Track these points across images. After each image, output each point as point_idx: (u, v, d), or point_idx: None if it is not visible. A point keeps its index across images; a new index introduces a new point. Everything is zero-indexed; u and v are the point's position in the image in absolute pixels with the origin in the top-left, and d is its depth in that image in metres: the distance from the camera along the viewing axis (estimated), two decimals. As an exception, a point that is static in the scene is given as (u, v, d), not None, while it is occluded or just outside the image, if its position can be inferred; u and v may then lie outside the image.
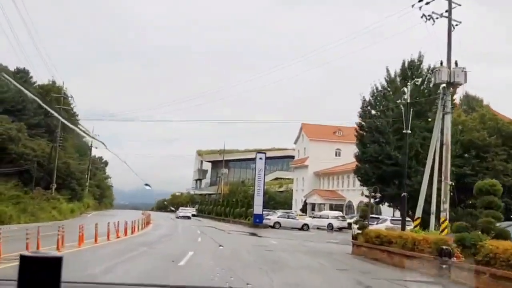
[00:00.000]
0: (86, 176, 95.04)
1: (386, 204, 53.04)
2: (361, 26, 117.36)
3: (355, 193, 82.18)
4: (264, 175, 59.94)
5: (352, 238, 30.26)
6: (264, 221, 58.54)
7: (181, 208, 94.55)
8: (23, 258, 1.47)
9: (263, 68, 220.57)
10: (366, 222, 29.83)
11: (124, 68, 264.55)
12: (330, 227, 59.81)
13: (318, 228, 60.32)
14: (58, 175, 76.05)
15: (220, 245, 29.90)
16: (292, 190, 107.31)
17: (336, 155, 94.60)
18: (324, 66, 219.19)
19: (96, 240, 27.29)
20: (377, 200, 53.18)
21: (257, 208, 58.34)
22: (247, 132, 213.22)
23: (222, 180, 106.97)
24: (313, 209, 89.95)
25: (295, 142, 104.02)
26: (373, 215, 74.90)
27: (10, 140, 70.63)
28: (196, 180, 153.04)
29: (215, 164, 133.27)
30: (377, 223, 44.32)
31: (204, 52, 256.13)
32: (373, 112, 48.18)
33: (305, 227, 57.81)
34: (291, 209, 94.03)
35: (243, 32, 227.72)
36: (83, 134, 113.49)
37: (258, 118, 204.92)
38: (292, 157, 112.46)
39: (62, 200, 68.81)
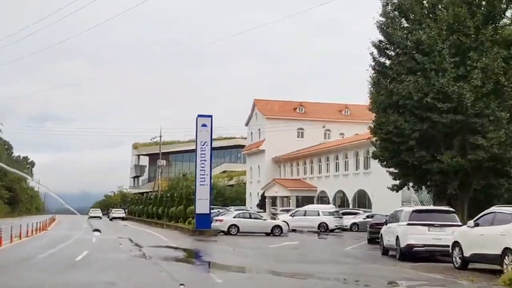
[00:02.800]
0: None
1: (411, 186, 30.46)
2: None
3: (329, 181, 59.79)
4: (211, 153, 36.32)
5: None
6: (214, 224, 35.16)
7: (92, 209, 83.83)
8: None
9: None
10: None
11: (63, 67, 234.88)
12: (323, 229, 37.01)
13: (294, 231, 37.56)
14: None
15: None
16: (244, 182, 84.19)
17: (298, 136, 71.93)
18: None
19: None
20: (397, 183, 30.56)
21: (202, 205, 34.64)
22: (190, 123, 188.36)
23: (159, 174, 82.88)
24: (274, 204, 67.12)
25: (247, 124, 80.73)
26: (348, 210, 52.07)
27: None
28: (134, 177, 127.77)
29: (153, 157, 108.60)
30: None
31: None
32: (405, 23, 25.30)
33: (276, 231, 34.73)
34: (244, 205, 71.16)
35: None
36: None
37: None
38: (242, 146, 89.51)
39: None
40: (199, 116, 35.20)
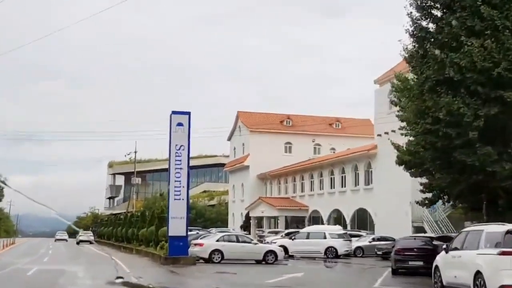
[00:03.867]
0: None
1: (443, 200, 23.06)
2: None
3: (323, 199, 52.15)
4: (189, 158, 28.48)
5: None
6: (192, 249, 27.21)
7: (58, 232, 76.84)
8: None
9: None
10: None
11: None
12: (331, 254, 29.40)
13: (291, 256, 30.01)
14: None
15: None
16: (226, 202, 76.19)
17: (286, 151, 64.35)
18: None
19: None
20: (427, 195, 23.13)
21: (177, 225, 26.65)
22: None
23: (133, 193, 74.68)
24: (259, 225, 59.31)
25: (229, 138, 72.97)
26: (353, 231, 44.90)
27: None
28: (109, 198, 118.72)
29: (129, 176, 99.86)
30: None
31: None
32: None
33: (269, 258, 27.03)
34: (227, 226, 63.36)
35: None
36: None
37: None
38: (224, 165, 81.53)
39: None
40: (174, 113, 27.26)
